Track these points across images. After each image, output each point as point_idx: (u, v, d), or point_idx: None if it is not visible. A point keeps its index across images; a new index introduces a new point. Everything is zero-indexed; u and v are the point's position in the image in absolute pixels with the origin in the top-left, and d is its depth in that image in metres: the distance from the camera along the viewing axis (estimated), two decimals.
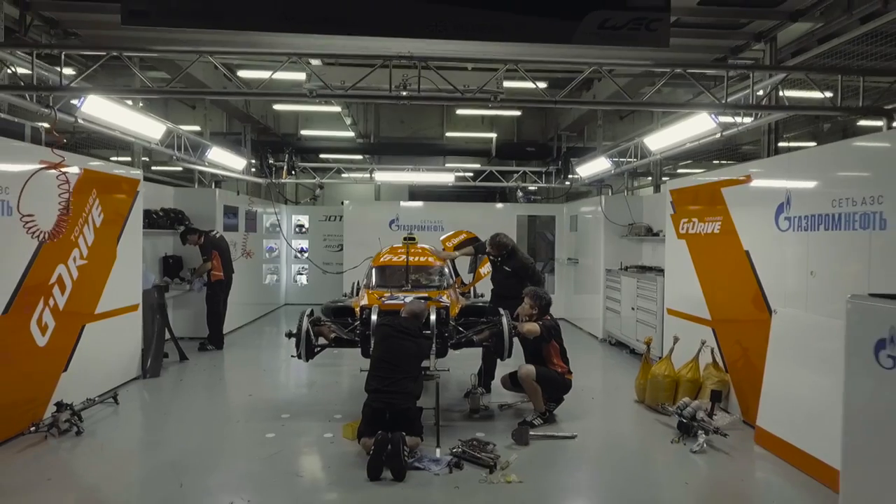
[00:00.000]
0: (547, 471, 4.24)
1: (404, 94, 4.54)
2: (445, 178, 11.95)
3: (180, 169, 11.15)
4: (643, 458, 4.69)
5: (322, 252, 13.26)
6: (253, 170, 11.69)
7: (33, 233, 4.81)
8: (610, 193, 11.24)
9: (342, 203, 13.18)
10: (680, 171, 12.04)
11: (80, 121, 5.40)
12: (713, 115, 5.91)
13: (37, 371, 4.96)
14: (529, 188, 12.61)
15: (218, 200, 9.23)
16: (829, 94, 5.48)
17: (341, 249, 12.86)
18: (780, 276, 4.88)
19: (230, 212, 9.75)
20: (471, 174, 12.74)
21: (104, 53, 4.96)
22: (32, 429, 4.66)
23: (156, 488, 3.93)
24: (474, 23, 3.65)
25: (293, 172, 11.41)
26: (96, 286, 5.79)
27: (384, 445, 4.04)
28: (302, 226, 13.76)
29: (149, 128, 6.48)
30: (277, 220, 12.20)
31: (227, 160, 9.53)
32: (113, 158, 9.57)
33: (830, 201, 4.27)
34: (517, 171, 12.13)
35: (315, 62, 5.69)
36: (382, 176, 12.26)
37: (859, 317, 2.87)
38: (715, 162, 10.69)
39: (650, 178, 10.87)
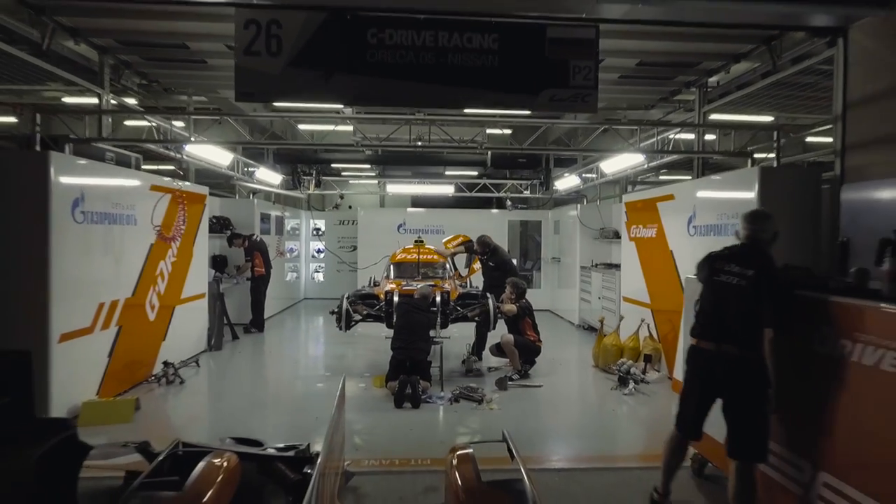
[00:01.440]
0: (518, 405, 6.05)
1: (419, 144, 6.40)
2: (446, 189, 13.73)
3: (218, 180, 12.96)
4: (588, 399, 6.51)
5: (337, 252, 15.09)
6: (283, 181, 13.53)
7: (159, 236, 6.65)
8: (585, 202, 13.04)
9: (349, 207, 14.96)
10: (662, 177, 13.75)
11: (185, 157, 7.24)
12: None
13: (149, 338, 6.78)
14: (517, 197, 14.38)
15: (256, 209, 11.05)
16: (712, 137, 7.32)
17: (354, 249, 14.69)
18: (691, 269, 6.69)
19: (265, 218, 11.57)
20: (467, 182, 14.53)
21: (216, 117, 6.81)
22: (152, 378, 6.49)
23: (246, 415, 5.75)
24: (470, 97, 5.47)
25: (319, 184, 13.22)
26: (182, 277, 7.60)
27: (405, 385, 5.86)
28: (319, 229, 15.58)
29: (223, 157, 8.30)
30: (315, 227, 14.07)
31: (268, 177, 11.36)
32: (159, 168, 11.39)
33: (717, 215, 6.09)
34: (507, 183, 13.91)
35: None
36: (393, 188, 14.03)
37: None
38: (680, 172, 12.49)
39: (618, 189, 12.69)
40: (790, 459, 3.51)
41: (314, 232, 15.55)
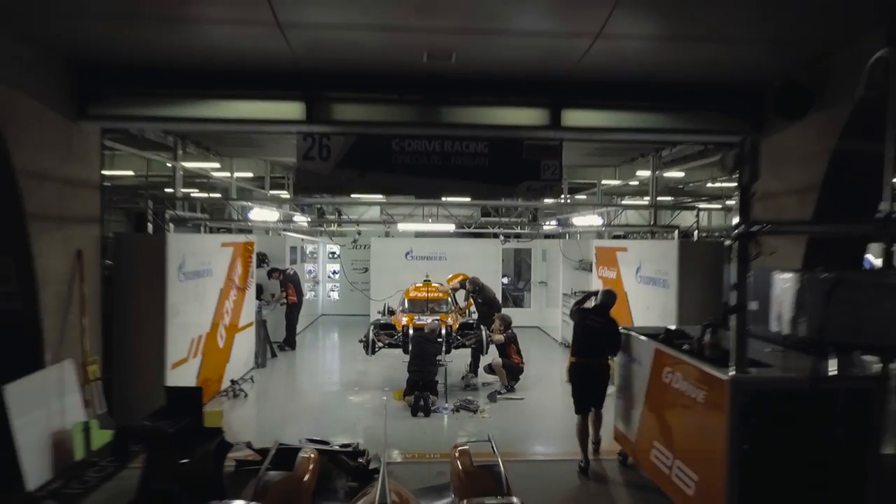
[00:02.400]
0: (504, 414, 8.00)
1: (430, 221, 8.40)
2: (448, 226, 15.66)
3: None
4: (558, 409, 8.44)
5: (350, 273, 17.02)
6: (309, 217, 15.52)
7: (226, 281, 8.61)
8: (567, 237, 14.97)
9: (359, 234, 16.80)
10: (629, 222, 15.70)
11: (249, 220, 9.20)
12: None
13: (219, 362, 8.74)
14: (509, 233, 16.28)
15: (286, 244, 13.02)
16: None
17: (366, 271, 16.64)
18: (637, 308, 8.66)
19: (293, 250, 13.54)
20: (465, 215, 16.48)
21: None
22: (222, 393, 8.46)
23: (301, 420, 7.70)
24: (467, 189, 7.42)
25: (340, 224, 15.20)
26: (239, 310, 9.56)
27: (419, 399, 7.81)
28: (334, 252, 17.54)
29: (273, 216, 10.25)
30: (331, 251, 16.03)
31: (300, 220, 13.35)
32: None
33: (654, 270, 8.05)
34: (500, 221, 15.88)
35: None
36: (403, 226, 15.90)
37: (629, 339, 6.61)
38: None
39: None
40: (627, 426, 5.49)
41: (330, 255, 17.53)
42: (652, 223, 8.48)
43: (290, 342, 12.06)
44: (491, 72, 5.99)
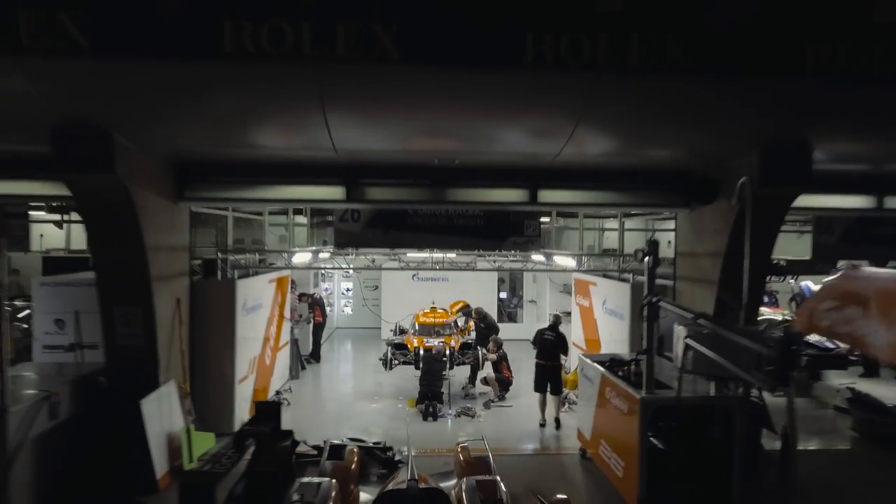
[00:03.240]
0: (496, 418, 10.09)
1: (437, 267, 10.53)
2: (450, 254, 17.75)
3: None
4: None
5: (362, 290, 19.10)
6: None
7: (277, 312, 10.69)
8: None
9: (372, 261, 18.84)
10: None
11: (292, 263, 11.24)
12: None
13: (266, 377, 10.81)
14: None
15: (311, 272, 15.11)
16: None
17: (376, 289, 18.74)
18: (603, 333, 10.74)
19: (315, 275, 15.62)
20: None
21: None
22: (273, 397, 10.53)
23: (337, 422, 9.78)
24: (466, 243, 9.50)
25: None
26: (279, 332, 11.63)
27: (428, 407, 9.90)
28: (349, 273, 19.61)
29: (306, 258, 12.29)
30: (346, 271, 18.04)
31: (324, 254, 15.42)
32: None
33: (615, 305, 10.13)
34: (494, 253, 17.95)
35: None
36: (412, 254, 17.89)
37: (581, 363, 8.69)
38: None
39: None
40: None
41: (345, 275, 19.61)
42: (616, 268, 10.53)
43: (315, 355, 14.15)
44: (484, 166, 8.07)
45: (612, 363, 7.58)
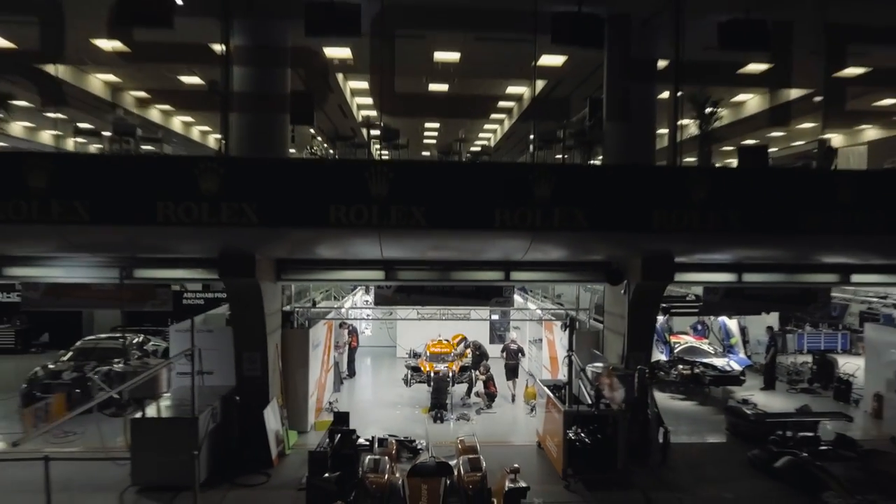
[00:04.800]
0: (484, 421, 14.57)
1: (444, 317, 15.05)
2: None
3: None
4: (516, 417, 15.01)
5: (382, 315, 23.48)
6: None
7: (328, 345, 15.18)
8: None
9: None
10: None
11: (348, 319, 15.72)
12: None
13: (322, 391, 15.26)
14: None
15: (346, 306, 19.56)
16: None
17: (391, 313, 23.18)
18: (560, 359, 15.19)
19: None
20: None
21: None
22: (326, 410, 14.99)
23: (374, 424, 14.25)
24: (463, 303, 13.95)
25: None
26: (329, 357, 16.08)
27: (437, 413, 14.39)
28: (368, 300, 24.06)
29: (352, 305, 16.82)
30: (365, 300, 22.54)
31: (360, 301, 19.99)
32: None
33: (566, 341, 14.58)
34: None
35: None
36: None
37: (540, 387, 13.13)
38: None
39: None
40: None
41: (365, 301, 24.07)
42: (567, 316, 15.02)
43: (351, 372, 18.63)
44: (476, 261, 12.54)
45: (554, 387, 12.03)
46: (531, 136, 15.56)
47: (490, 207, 9.86)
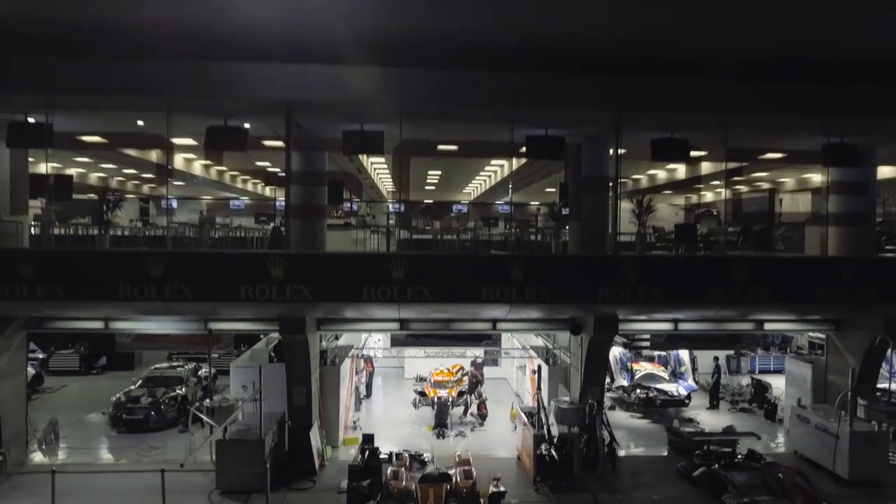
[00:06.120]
0: (477, 437, 18.37)
1: (446, 356, 18.90)
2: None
3: None
4: (502, 432, 18.80)
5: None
6: None
7: (351, 374, 19.00)
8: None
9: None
10: None
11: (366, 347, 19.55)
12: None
13: (347, 412, 19.05)
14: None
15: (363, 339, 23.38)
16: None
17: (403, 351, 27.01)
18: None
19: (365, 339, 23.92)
20: None
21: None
22: (351, 424, 18.80)
23: (391, 440, 18.07)
24: (462, 344, 17.72)
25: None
26: (352, 383, 19.85)
27: (440, 431, 18.20)
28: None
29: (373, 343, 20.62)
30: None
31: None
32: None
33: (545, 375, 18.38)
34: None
35: None
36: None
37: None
38: None
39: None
40: None
41: (378, 341, 27.87)
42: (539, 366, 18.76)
43: (368, 393, 22.46)
44: (470, 318, 16.34)
45: (528, 413, 15.83)
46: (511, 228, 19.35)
47: (479, 287, 13.65)
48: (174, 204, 28.14)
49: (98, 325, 15.34)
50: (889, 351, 16.32)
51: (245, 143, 14.15)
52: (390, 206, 24.32)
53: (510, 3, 11.73)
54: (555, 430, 15.02)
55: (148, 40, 12.87)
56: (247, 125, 14.31)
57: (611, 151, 15.41)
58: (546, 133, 14.80)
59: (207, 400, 14.48)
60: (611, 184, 15.66)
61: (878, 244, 20.37)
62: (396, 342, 17.72)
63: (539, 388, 15.19)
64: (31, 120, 13.97)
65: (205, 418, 13.48)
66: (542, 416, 14.65)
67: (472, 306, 14.31)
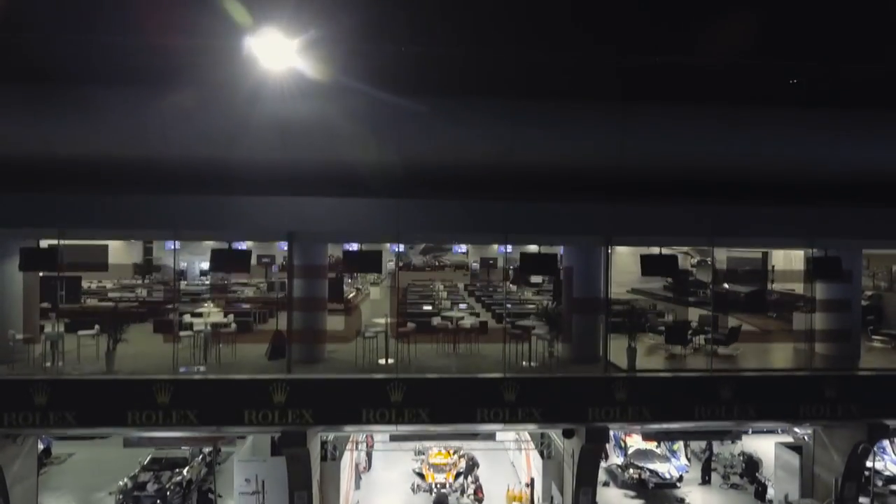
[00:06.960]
0: None
1: (444, 449, 19.42)
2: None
3: None
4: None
5: None
6: None
7: (357, 449, 19.56)
8: None
9: None
10: None
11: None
12: None
13: (347, 494, 19.65)
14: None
15: None
16: None
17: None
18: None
19: None
20: None
21: None
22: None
23: None
24: (454, 437, 18.24)
25: None
26: (351, 469, 20.41)
27: None
28: None
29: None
30: None
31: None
32: None
33: (536, 469, 18.88)
34: None
35: None
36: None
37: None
38: None
39: None
40: None
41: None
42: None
43: (369, 464, 22.98)
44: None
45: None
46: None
47: (473, 408, 14.18)
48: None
49: (108, 430, 15.90)
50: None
51: (248, 264, 14.71)
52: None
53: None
54: None
55: (157, 176, 13.47)
56: (249, 246, 14.85)
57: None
58: (539, 250, 15.35)
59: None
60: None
61: (865, 328, 20.92)
62: (396, 437, 18.25)
63: (532, 483, 15.70)
64: (42, 245, 14.55)
65: None
66: None
67: (467, 426, 14.84)
